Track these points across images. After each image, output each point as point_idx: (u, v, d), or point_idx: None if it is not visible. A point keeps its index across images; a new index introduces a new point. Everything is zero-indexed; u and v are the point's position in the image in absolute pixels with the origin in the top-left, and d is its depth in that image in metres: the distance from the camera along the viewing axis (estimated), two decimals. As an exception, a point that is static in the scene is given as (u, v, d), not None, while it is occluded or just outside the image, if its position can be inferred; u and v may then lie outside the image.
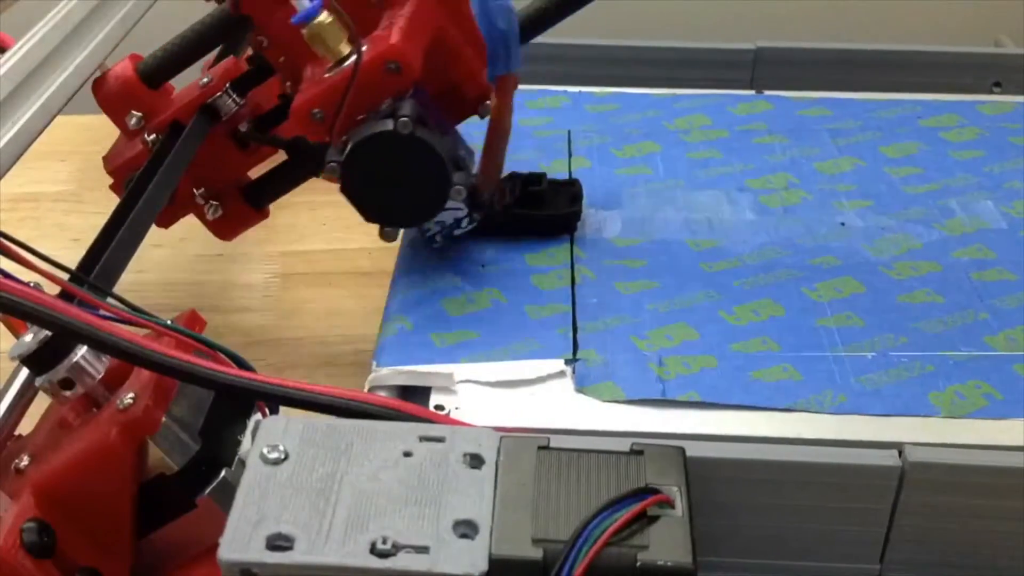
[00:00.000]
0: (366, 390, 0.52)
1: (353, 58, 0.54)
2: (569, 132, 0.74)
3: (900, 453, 0.46)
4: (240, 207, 0.67)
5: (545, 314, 0.57)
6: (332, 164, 0.55)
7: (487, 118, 0.60)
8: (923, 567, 0.48)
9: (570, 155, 0.72)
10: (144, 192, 0.57)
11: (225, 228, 0.67)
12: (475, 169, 0.60)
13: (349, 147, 0.55)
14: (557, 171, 0.68)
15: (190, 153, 0.61)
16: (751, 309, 0.57)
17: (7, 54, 0.59)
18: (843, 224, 0.64)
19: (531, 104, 0.77)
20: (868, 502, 0.46)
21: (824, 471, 0.46)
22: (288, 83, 0.61)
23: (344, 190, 0.56)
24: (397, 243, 0.64)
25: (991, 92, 0.83)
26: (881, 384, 0.52)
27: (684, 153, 0.72)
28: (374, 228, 0.59)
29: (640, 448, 0.41)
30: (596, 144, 0.73)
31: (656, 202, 0.67)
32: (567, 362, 0.53)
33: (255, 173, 0.69)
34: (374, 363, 0.53)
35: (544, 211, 0.63)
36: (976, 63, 0.84)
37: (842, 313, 0.57)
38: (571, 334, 0.55)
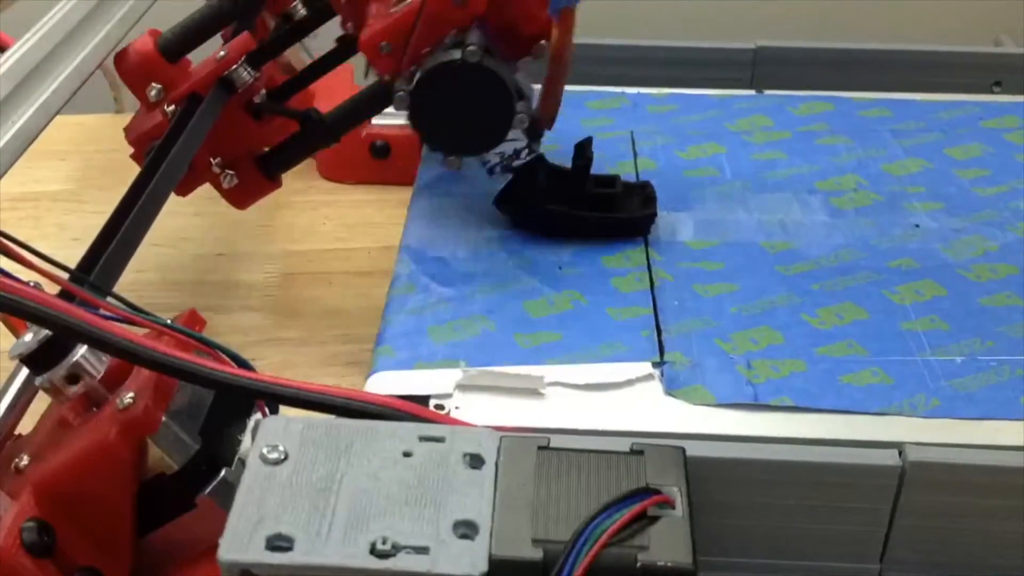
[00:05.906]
0: (451, 389, 0.51)
1: None
2: (632, 133, 0.74)
3: (900, 453, 0.46)
4: (254, 177, 0.68)
5: (627, 316, 0.57)
6: (401, 94, 0.57)
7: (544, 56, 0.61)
8: (923, 567, 0.48)
9: (635, 156, 0.71)
10: (161, 166, 0.58)
11: (239, 197, 0.69)
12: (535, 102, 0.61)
13: (418, 77, 0.57)
14: (623, 173, 0.67)
15: (207, 124, 0.62)
16: (834, 312, 0.57)
17: (7, 54, 0.59)
18: (918, 226, 0.64)
19: (591, 105, 0.76)
20: (868, 502, 0.46)
21: (824, 471, 0.46)
22: (349, 23, 0.64)
23: (412, 119, 0.59)
24: (397, 241, 0.64)
25: (991, 92, 0.83)
26: (973, 388, 0.52)
27: (749, 155, 0.71)
28: (374, 228, 0.59)
29: (640, 448, 0.41)
30: (660, 145, 0.73)
31: (726, 204, 0.66)
32: (654, 365, 0.53)
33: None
34: (462, 363, 0.52)
35: (618, 213, 0.63)
36: (976, 63, 0.84)
37: (926, 316, 0.56)
38: (655, 336, 0.55)
